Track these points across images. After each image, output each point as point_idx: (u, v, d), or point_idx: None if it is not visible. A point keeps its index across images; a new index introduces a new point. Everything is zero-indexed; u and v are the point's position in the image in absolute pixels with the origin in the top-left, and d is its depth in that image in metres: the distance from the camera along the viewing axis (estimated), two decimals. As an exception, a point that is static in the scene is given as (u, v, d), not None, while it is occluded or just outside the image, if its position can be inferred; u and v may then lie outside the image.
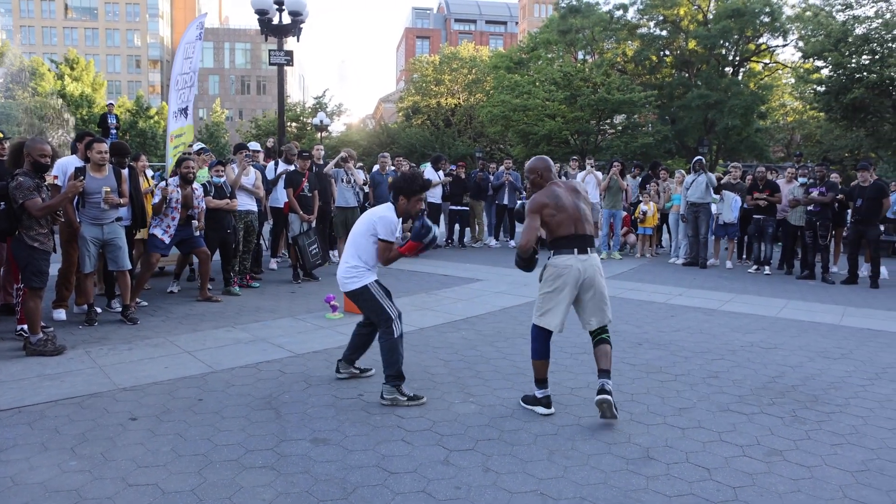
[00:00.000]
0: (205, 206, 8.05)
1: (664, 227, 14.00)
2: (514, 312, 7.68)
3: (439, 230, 15.36)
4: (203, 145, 10.43)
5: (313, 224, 9.76)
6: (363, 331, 5.02)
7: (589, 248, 4.37)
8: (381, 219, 4.61)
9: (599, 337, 4.37)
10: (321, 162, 11.22)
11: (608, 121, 32.13)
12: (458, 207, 14.26)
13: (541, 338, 4.41)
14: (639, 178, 13.99)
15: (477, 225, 14.92)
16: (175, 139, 8.73)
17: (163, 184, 7.78)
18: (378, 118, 63.01)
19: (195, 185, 7.96)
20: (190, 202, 7.83)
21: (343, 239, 10.59)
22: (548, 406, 4.42)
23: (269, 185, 10.57)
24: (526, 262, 4.46)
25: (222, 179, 8.53)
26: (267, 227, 11.55)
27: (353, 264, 4.68)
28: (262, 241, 10.91)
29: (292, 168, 10.13)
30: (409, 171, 4.89)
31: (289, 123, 46.25)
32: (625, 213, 13.54)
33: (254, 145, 10.63)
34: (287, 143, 12.92)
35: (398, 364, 4.55)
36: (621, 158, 16.49)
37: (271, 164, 10.96)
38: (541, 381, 4.44)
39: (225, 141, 52.05)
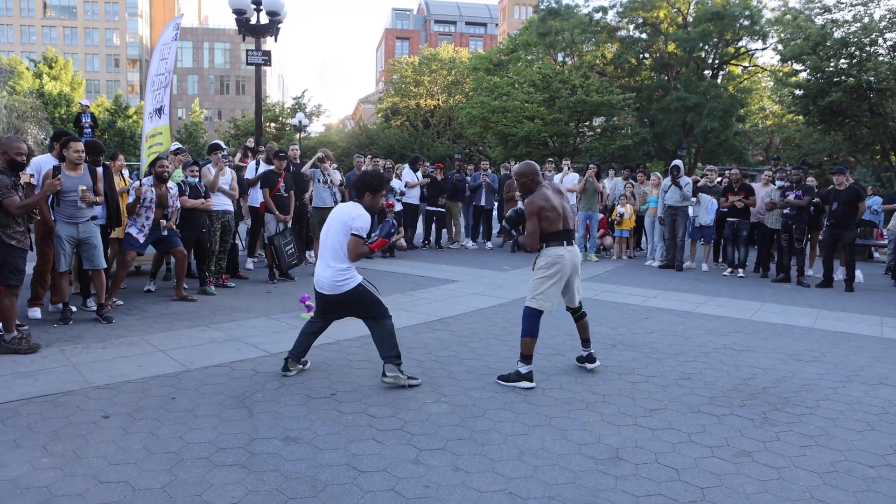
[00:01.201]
0: (180, 206, 8.03)
1: (641, 229, 14.12)
2: (489, 313, 7.72)
3: (416, 231, 15.53)
4: (179, 145, 10.38)
5: (289, 224, 9.76)
6: (314, 329, 5.12)
7: (573, 241, 5.15)
8: (359, 216, 4.80)
9: (581, 312, 5.40)
10: (298, 161, 11.21)
11: (587, 123, 32.41)
12: (435, 209, 14.30)
13: (535, 318, 5.02)
14: (616, 179, 14.11)
15: (454, 226, 14.98)
16: (150, 139, 8.69)
17: (136, 183, 7.76)
18: (357, 119, 62.93)
19: (170, 183, 7.94)
20: (164, 201, 7.80)
21: (319, 239, 10.58)
22: (530, 380, 4.98)
23: (248, 185, 10.55)
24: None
25: (196, 179, 8.50)
26: (244, 227, 11.53)
27: (342, 267, 4.81)
28: (239, 240, 10.87)
29: (270, 168, 10.13)
30: (370, 169, 5.09)
31: (267, 124, 46.03)
32: (601, 216, 13.67)
33: (222, 146, 10.61)
34: (265, 142, 12.91)
35: (397, 345, 4.91)
36: (599, 160, 16.64)
37: (252, 163, 10.93)
38: (528, 357, 5.00)
39: (203, 141, 51.62)
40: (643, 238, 14.48)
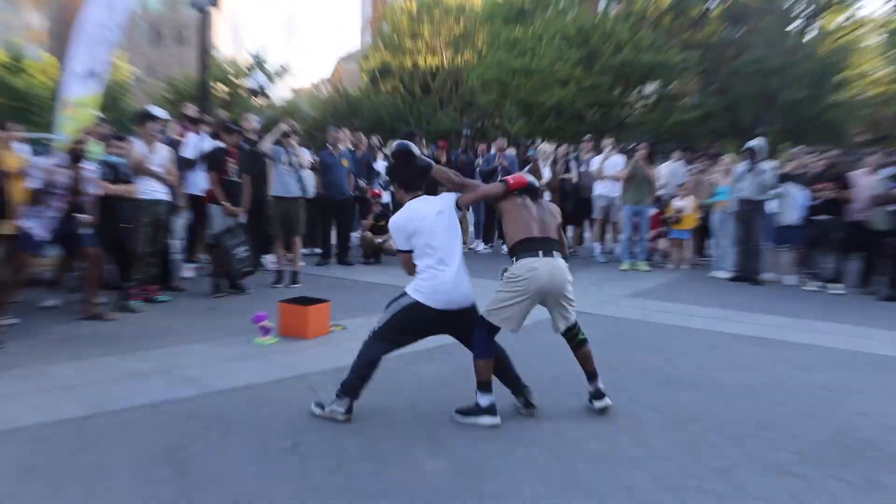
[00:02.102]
0: (101, 194, 8.02)
1: (706, 229, 14.07)
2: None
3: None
4: (97, 113, 10.36)
5: (242, 219, 9.73)
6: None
7: (552, 251, 5.51)
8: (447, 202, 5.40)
9: (578, 338, 5.59)
10: (255, 137, 11.18)
11: (636, 90, 32.40)
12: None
13: (490, 334, 5.37)
14: (674, 164, 14.08)
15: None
16: (75, 108, 8.66)
17: (43, 161, 7.73)
18: (336, 82, 63.07)
19: (87, 164, 7.92)
20: (80, 187, 7.77)
21: (282, 240, 10.56)
22: (494, 414, 5.20)
23: (187, 167, 10.53)
24: None
25: (120, 159, 8.47)
26: (182, 222, 11.50)
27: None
28: (174, 241, 10.84)
29: (218, 146, 10.10)
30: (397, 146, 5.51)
31: (216, 86, 46.15)
32: (653, 211, 13.64)
33: (159, 112, 10.57)
34: (212, 110, 12.89)
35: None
36: (652, 139, 16.59)
37: (193, 136, 10.89)
38: (486, 385, 5.26)
39: (130, 107, 51.79)
40: (709, 241, 14.43)
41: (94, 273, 7.97)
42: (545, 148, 14.74)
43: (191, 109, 12.99)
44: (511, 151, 15.68)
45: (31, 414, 5.07)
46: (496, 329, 5.32)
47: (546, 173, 13.86)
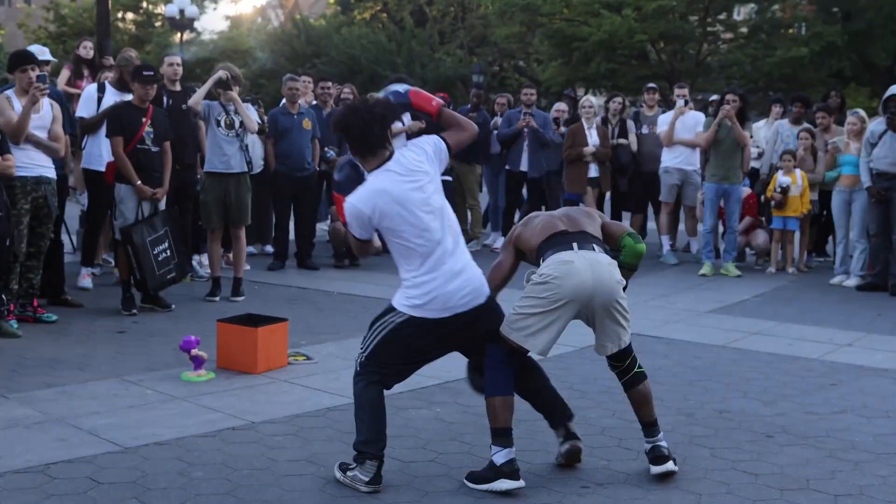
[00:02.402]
0: None
1: (822, 216, 14.06)
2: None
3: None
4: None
5: (162, 205, 9.81)
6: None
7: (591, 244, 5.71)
8: (421, 152, 5.43)
9: (633, 370, 5.75)
10: (179, 88, 11.20)
11: (721, 16, 32.39)
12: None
13: (509, 363, 5.48)
14: (779, 123, 13.98)
15: (470, 210, 15.00)
16: None
17: None
18: (290, 9, 63.10)
19: None
20: None
21: (218, 233, 10.65)
22: (514, 476, 5.21)
23: (81, 130, 10.54)
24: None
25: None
26: (76, 209, 11.54)
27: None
28: (65, 236, 10.91)
29: (125, 100, 10.12)
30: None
31: (120, 14, 46.26)
32: (748, 191, 13.63)
33: (38, 51, 10.59)
34: (117, 51, 12.93)
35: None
36: (745, 87, 16.61)
37: (91, 86, 10.91)
38: (502, 433, 5.32)
39: (-1, 44, 51.82)
40: (828, 234, 14.43)
41: None
42: (589, 102, 14.59)
43: (87, 49, 13.06)
44: (562, 106, 15.64)
45: None
46: (519, 352, 5.42)
47: (591, 139, 13.80)
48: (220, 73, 10.72)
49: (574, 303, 5.30)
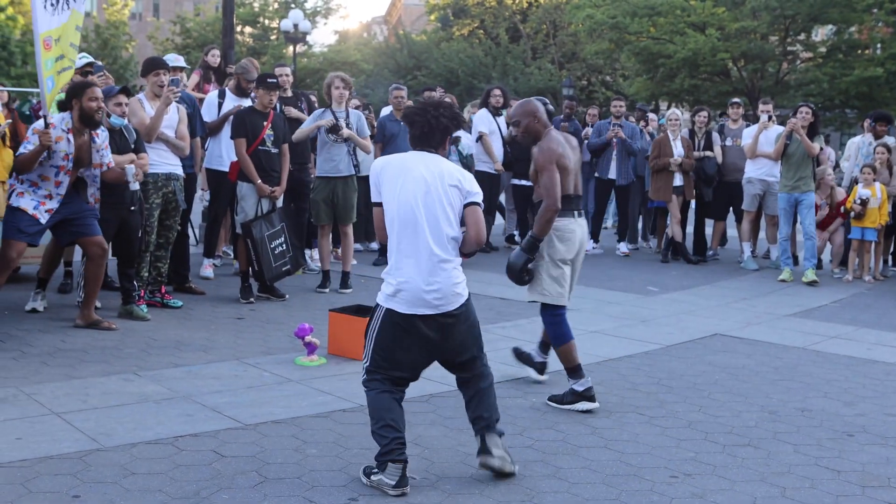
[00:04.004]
0: (111, 164, 8.20)
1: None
2: (624, 367, 7.71)
3: (496, 221, 15.50)
4: (89, 58, 10.56)
5: (279, 202, 9.90)
6: (397, 401, 5.08)
7: (582, 210, 6.84)
8: (470, 178, 5.25)
9: None
10: (291, 94, 11.27)
11: (801, 37, 31.89)
12: (530, 183, 14.27)
13: (558, 317, 6.54)
14: (861, 138, 13.72)
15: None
16: (52, 47, 8.69)
17: (39, 124, 7.87)
18: (394, 25, 63.48)
19: (98, 129, 8.05)
20: (86, 158, 7.95)
21: (327, 230, 10.68)
22: (592, 399, 6.37)
23: (206, 132, 10.67)
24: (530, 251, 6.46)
25: (124, 121, 8.63)
26: (200, 205, 11.69)
27: (455, 262, 5.15)
28: (190, 229, 11.05)
29: (246, 104, 10.21)
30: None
31: (240, 27, 46.86)
32: (821, 202, 13.44)
33: (173, 59, 10.69)
34: (238, 59, 13.07)
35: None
36: (820, 104, 16.34)
37: (213, 93, 11.03)
38: (576, 370, 6.43)
39: (130, 54, 52.86)
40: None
41: (95, 268, 8.13)
42: (675, 115, 14.48)
43: (214, 56, 13.15)
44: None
45: (14, 447, 5.19)
46: (562, 308, 6.49)
47: (676, 149, 13.70)
48: (327, 121, 10.24)
49: (577, 259, 6.64)
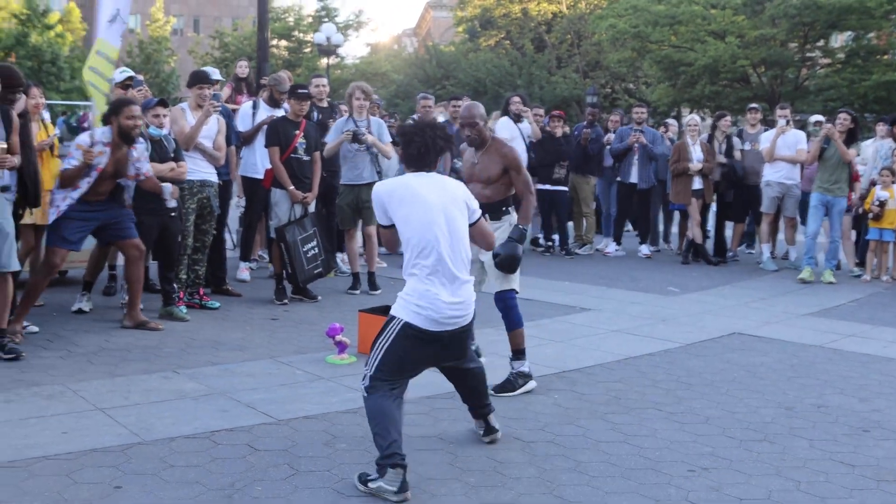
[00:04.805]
0: (150, 174, 8.29)
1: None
2: (644, 365, 7.70)
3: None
4: (130, 72, 10.65)
5: (311, 208, 9.96)
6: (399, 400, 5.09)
7: None
8: (465, 190, 5.40)
9: None
10: (325, 104, 11.32)
11: (819, 43, 31.67)
12: (554, 188, 14.30)
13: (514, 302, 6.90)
14: (882, 142, 13.60)
15: (585, 218, 14.96)
16: (99, 62, 8.78)
17: (84, 139, 7.96)
18: (424, 37, 63.56)
19: (138, 141, 8.12)
20: (123, 170, 8.04)
21: (354, 233, 10.71)
22: (531, 377, 6.80)
23: (240, 141, 10.75)
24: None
25: (164, 131, 8.72)
26: (236, 211, 11.76)
27: (471, 278, 5.26)
28: (227, 234, 11.12)
29: (279, 114, 10.28)
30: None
31: (275, 41, 47.06)
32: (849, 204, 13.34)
33: (212, 72, 10.75)
34: (272, 71, 13.15)
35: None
36: (839, 105, 16.23)
37: (247, 103, 11.12)
38: (523, 352, 6.81)
39: (172, 67, 53.14)
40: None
41: (135, 270, 8.25)
42: (695, 121, 14.43)
43: (242, 68, 13.28)
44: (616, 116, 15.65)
45: (61, 440, 5.29)
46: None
47: (695, 154, 13.68)
48: (347, 135, 10.20)
49: None
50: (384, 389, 4.96)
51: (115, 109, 8.05)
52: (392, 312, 5.06)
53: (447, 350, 5.13)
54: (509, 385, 6.67)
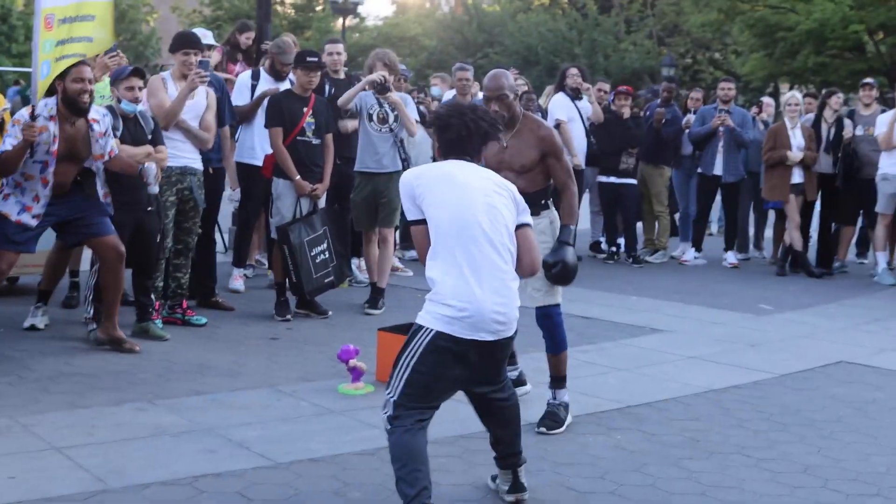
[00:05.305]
0: (115, 154, 8.27)
1: None
2: (729, 400, 7.66)
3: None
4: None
5: (322, 203, 9.96)
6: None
7: None
8: (513, 186, 5.26)
9: None
10: (343, 77, 11.31)
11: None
12: (620, 181, 14.26)
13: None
14: None
15: (657, 218, 14.93)
16: (53, 27, 8.74)
17: (23, 113, 7.96)
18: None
19: (98, 111, 8.13)
20: (81, 149, 8.04)
21: (373, 236, 10.62)
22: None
23: (237, 120, 10.73)
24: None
25: (139, 106, 8.72)
26: (229, 206, 11.79)
27: (517, 277, 5.20)
28: (217, 234, 11.14)
29: (283, 87, 10.27)
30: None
31: (279, 0, 47.18)
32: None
33: (201, 34, 10.70)
34: (276, 36, 13.16)
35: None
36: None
37: (245, 73, 11.11)
38: (565, 378, 6.88)
39: (151, 28, 53.35)
40: None
41: (113, 276, 8.15)
42: (795, 99, 14.32)
43: (248, 39, 13.23)
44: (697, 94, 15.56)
45: (6, 489, 5.22)
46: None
47: (795, 140, 13.54)
48: (376, 76, 10.31)
49: None
50: (410, 420, 4.83)
51: (61, 72, 7.91)
52: (418, 321, 4.95)
53: (480, 368, 5.00)
54: (556, 417, 6.67)
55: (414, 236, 5.21)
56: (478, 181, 5.03)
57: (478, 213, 4.92)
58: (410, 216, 5.11)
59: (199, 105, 9.33)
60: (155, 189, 8.43)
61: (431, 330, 4.85)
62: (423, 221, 5.03)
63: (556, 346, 6.87)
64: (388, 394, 4.91)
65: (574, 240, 6.70)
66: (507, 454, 5.33)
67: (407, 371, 4.86)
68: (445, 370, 4.89)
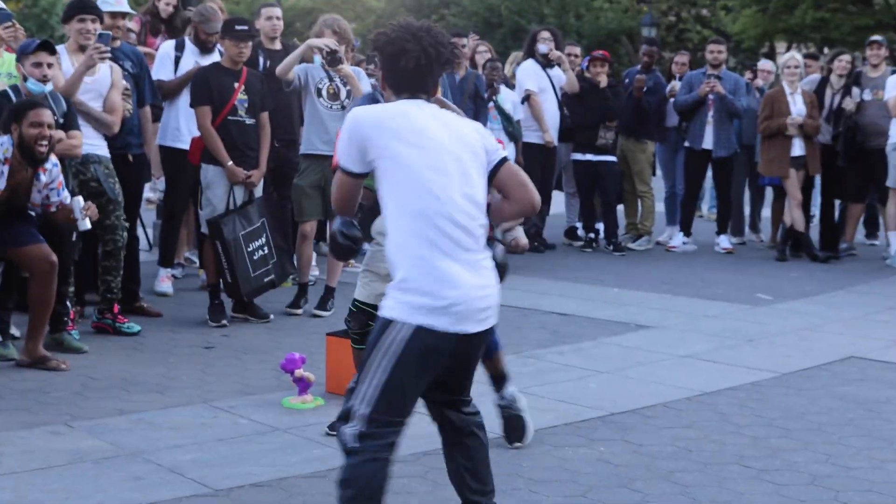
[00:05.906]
0: (66, 202, 8.26)
1: None
2: (724, 403, 7.71)
3: (551, 210, 15.46)
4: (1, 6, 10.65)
5: (258, 191, 9.98)
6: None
7: None
8: (478, 126, 4.95)
9: None
10: (279, 48, 11.29)
11: None
12: (598, 157, 14.27)
13: None
14: None
15: (640, 199, 15.08)
16: None
17: None
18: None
19: (50, 159, 8.12)
20: (22, 197, 8.05)
21: (312, 228, 10.59)
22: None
23: (160, 99, 10.71)
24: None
25: (48, 87, 8.69)
26: (153, 195, 11.74)
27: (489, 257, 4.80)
28: (140, 230, 11.11)
29: (211, 62, 10.26)
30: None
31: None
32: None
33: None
34: (200, 2, 13.13)
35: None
36: None
37: (166, 44, 11.08)
38: (506, 376, 6.81)
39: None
40: None
41: (42, 290, 8.10)
42: (795, 61, 14.36)
43: (168, 5, 13.18)
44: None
45: None
46: None
47: (795, 106, 13.58)
48: (322, 41, 10.11)
49: None
50: (383, 443, 4.47)
51: (17, 114, 7.93)
52: (384, 314, 4.52)
53: (454, 370, 4.68)
54: (519, 423, 6.62)
55: (341, 185, 4.75)
56: (447, 138, 4.58)
57: (452, 180, 4.52)
58: (350, 166, 4.63)
59: (102, 83, 9.21)
60: (85, 225, 8.30)
61: (408, 324, 4.42)
62: (361, 175, 4.67)
63: (488, 349, 6.25)
64: (356, 406, 4.46)
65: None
66: (475, 490, 4.89)
67: (384, 375, 4.42)
68: (422, 374, 4.53)
